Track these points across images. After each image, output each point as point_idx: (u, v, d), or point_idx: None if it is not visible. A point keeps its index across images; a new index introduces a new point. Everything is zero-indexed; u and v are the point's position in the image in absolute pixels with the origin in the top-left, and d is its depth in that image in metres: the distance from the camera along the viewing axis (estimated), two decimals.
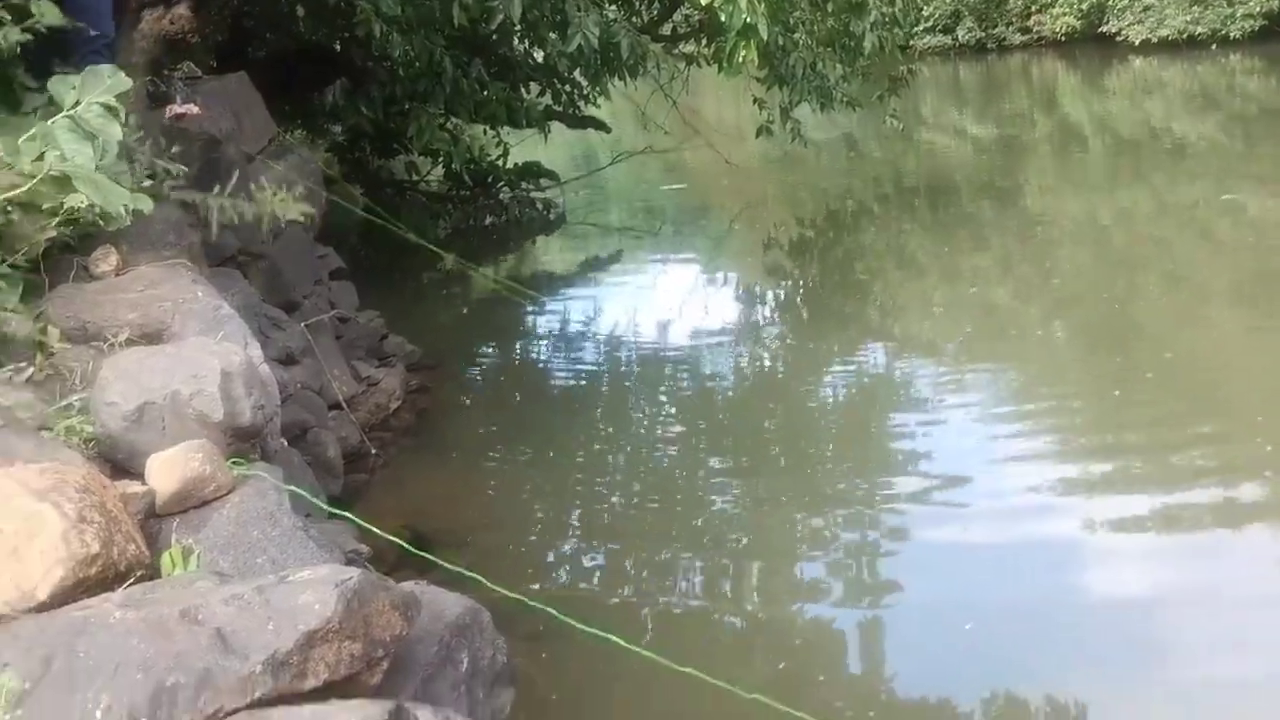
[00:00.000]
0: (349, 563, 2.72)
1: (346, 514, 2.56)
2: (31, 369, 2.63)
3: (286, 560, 2.04)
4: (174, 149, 4.05)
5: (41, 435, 2.37)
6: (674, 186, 13.67)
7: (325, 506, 2.71)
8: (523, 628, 3.20)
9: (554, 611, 2.45)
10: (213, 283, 3.67)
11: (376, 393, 5.77)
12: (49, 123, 3.01)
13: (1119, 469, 4.72)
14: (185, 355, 2.42)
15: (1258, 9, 23.33)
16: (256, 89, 6.37)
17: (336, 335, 5.92)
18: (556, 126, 11.47)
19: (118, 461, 2.38)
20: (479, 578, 2.44)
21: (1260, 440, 4.69)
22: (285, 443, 3.57)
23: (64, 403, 2.54)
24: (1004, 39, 29.71)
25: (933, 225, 10.33)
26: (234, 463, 2.36)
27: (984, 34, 29.96)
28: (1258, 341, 6.14)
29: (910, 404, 5.82)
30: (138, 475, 2.31)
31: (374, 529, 2.44)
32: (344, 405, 5.28)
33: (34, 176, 2.82)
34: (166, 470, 2.22)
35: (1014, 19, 29.34)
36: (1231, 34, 23.62)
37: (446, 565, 2.37)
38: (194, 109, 5.00)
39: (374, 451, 5.34)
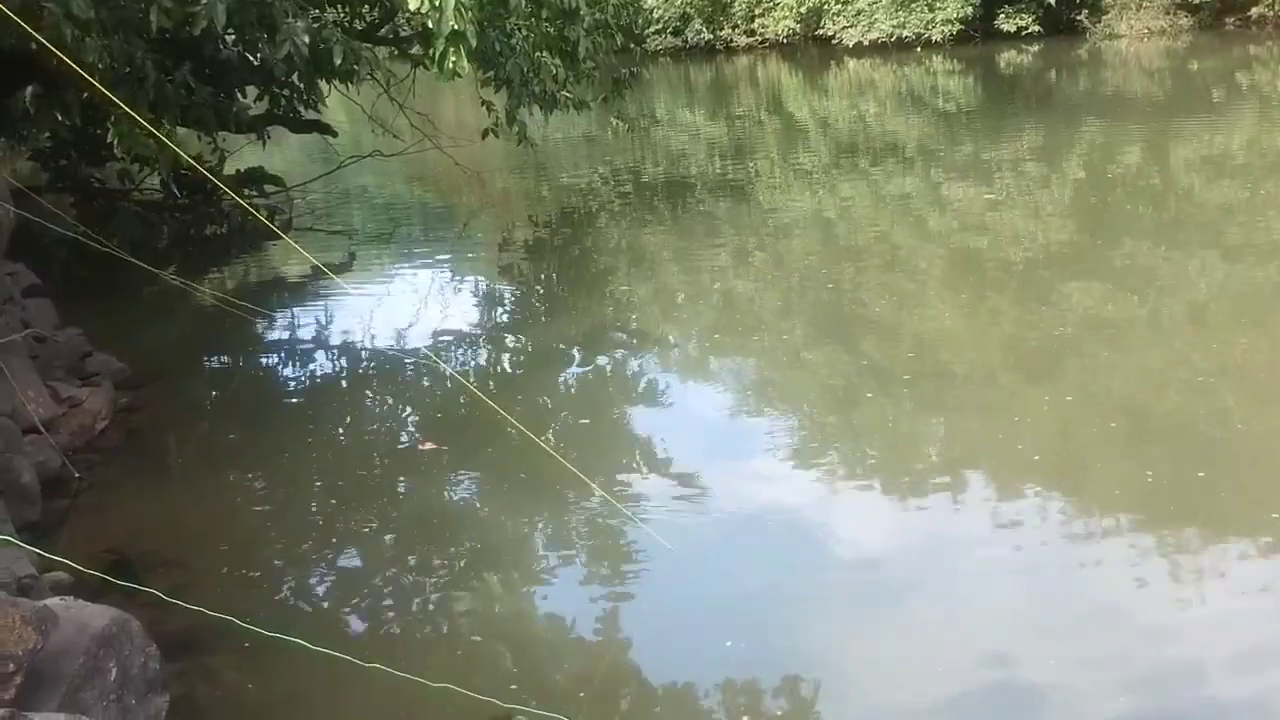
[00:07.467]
0: (21, 590, 2.66)
1: (13, 540, 2.49)
2: None
3: None
4: None
5: None
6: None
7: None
8: (223, 642, 3.20)
9: (236, 620, 2.49)
10: None
11: (80, 414, 5.50)
12: None
13: None
14: None
15: (955, 14, 25.58)
16: None
17: (32, 355, 5.60)
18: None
19: None
20: (156, 592, 2.45)
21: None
22: None
23: None
24: (730, 41, 31.06)
25: (670, 220, 10.66)
26: None
27: (712, 36, 31.24)
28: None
29: (645, 397, 6.06)
30: None
31: (41, 552, 2.40)
32: (41, 429, 5.02)
33: None
34: None
35: (739, 22, 30.72)
36: (933, 37, 25.74)
37: (117, 583, 2.36)
38: None
39: (78, 475, 5.10)
